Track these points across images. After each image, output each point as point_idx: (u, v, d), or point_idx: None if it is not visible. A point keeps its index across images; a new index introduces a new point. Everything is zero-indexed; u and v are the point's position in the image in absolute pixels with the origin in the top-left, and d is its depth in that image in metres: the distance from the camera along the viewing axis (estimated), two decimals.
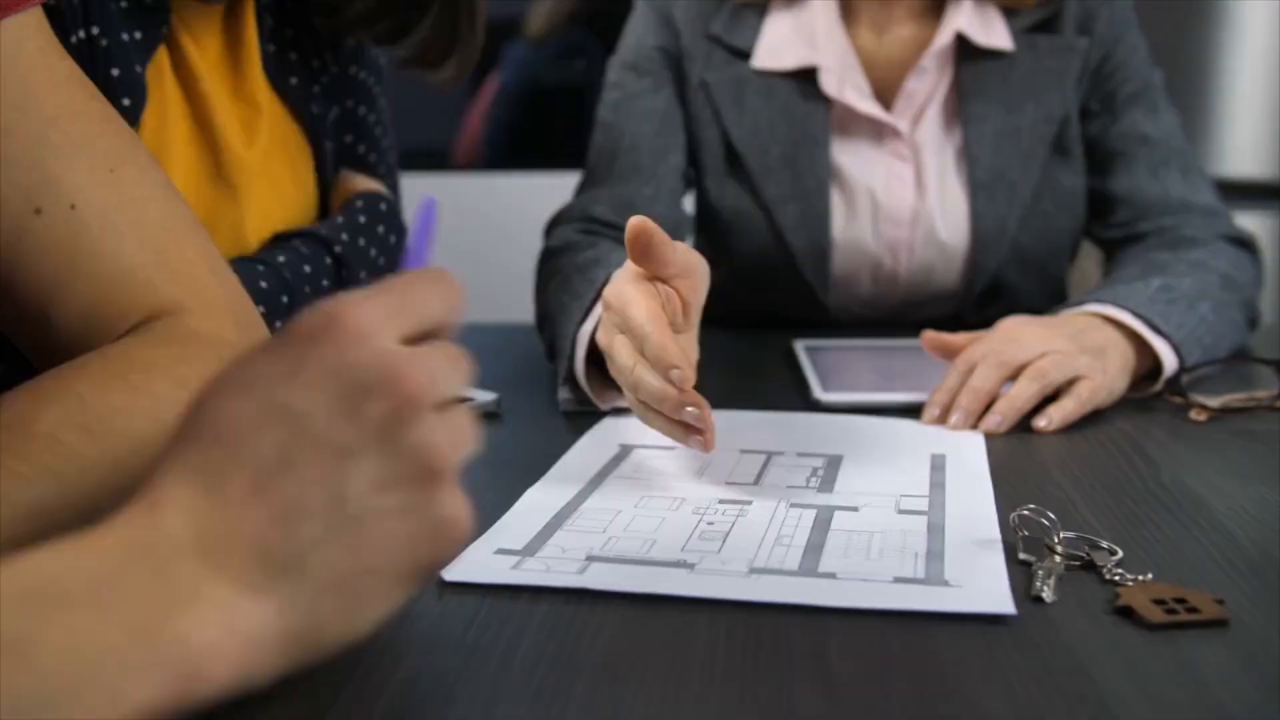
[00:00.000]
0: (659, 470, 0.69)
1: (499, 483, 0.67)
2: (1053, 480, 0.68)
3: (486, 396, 0.85)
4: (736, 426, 0.79)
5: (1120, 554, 0.55)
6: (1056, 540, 0.55)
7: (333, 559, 0.39)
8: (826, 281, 1.14)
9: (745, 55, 1.14)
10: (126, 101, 0.69)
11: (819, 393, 0.86)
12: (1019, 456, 0.73)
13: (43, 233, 0.56)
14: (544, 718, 0.40)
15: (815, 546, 0.56)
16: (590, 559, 0.55)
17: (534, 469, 0.69)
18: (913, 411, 0.81)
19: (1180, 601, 0.49)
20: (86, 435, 0.48)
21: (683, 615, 0.49)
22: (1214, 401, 0.82)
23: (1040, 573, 0.52)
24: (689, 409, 0.66)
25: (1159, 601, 0.49)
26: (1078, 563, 0.54)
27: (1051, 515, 0.56)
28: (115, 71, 0.69)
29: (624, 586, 0.51)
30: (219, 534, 0.38)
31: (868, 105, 1.12)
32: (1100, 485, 0.66)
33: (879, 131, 1.13)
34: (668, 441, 0.75)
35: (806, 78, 1.12)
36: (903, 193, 1.12)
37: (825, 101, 1.12)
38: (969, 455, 0.72)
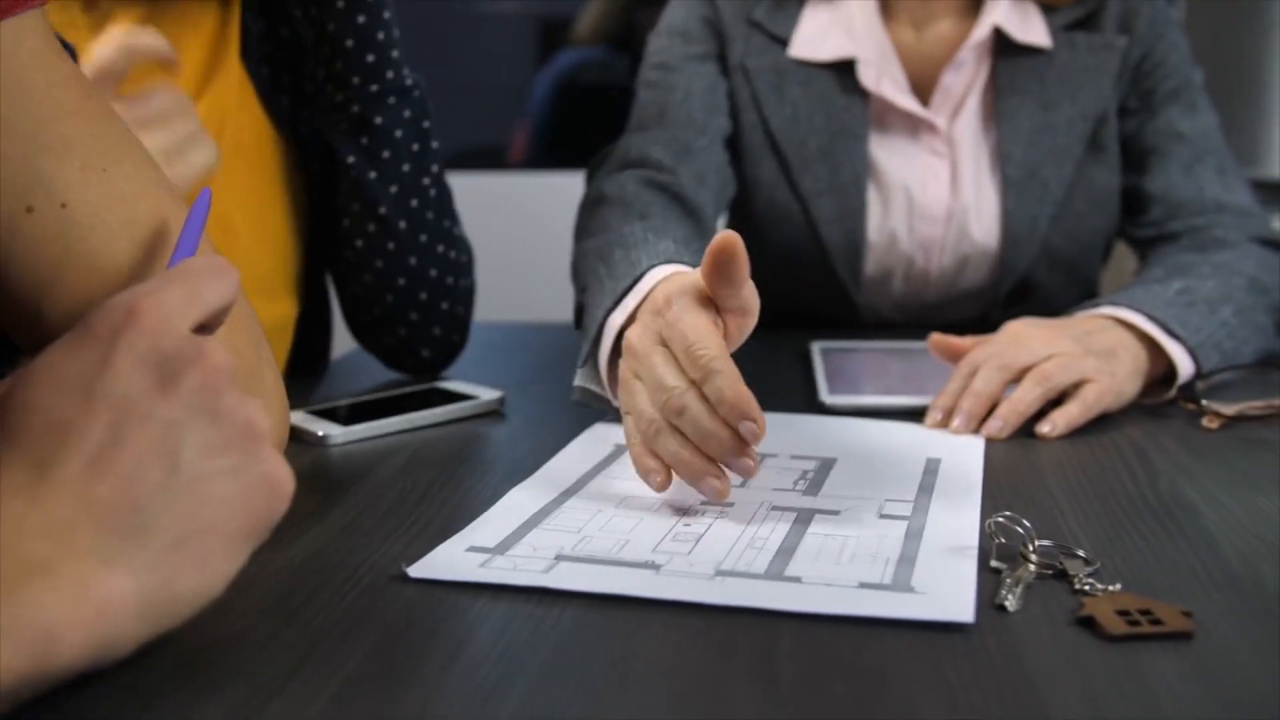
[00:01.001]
0: None
1: (496, 481, 0.68)
2: (1045, 486, 0.67)
3: (491, 395, 0.85)
4: None
5: (1097, 563, 0.54)
6: (1031, 548, 0.54)
7: (173, 522, 0.42)
8: (859, 278, 1.14)
9: (784, 43, 1.14)
10: None
11: (824, 395, 0.86)
12: (1017, 461, 0.72)
13: (34, 230, 0.57)
14: (477, 715, 0.41)
15: (787, 550, 0.56)
16: (559, 558, 0.55)
17: (532, 468, 0.70)
18: (919, 415, 0.81)
19: (1145, 613, 0.48)
20: None
21: (640, 616, 0.49)
22: (1228, 409, 0.80)
23: (1008, 581, 0.51)
24: (742, 460, 0.61)
25: (1123, 613, 0.48)
26: (1050, 571, 0.53)
27: (1026, 523, 0.55)
28: None
29: (585, 586, 0.51)
30: (62, 515, 0.41)
31: (905, 100, 1.11)
32: (1093, 492, 0.65)
33: (915, 127, 1.12)
34: None
35: (845, 70, 1.12)
36: (938, 190, 1.12)
37: (863, 95, 1.12)
38: (964, 460, 0.71)
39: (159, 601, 0.41)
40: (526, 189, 2.77)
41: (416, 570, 0.53)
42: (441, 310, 0.92)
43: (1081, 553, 0.55)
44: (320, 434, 0.76)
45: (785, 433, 0.78)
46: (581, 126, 2.96)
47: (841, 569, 0.53)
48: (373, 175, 0.86)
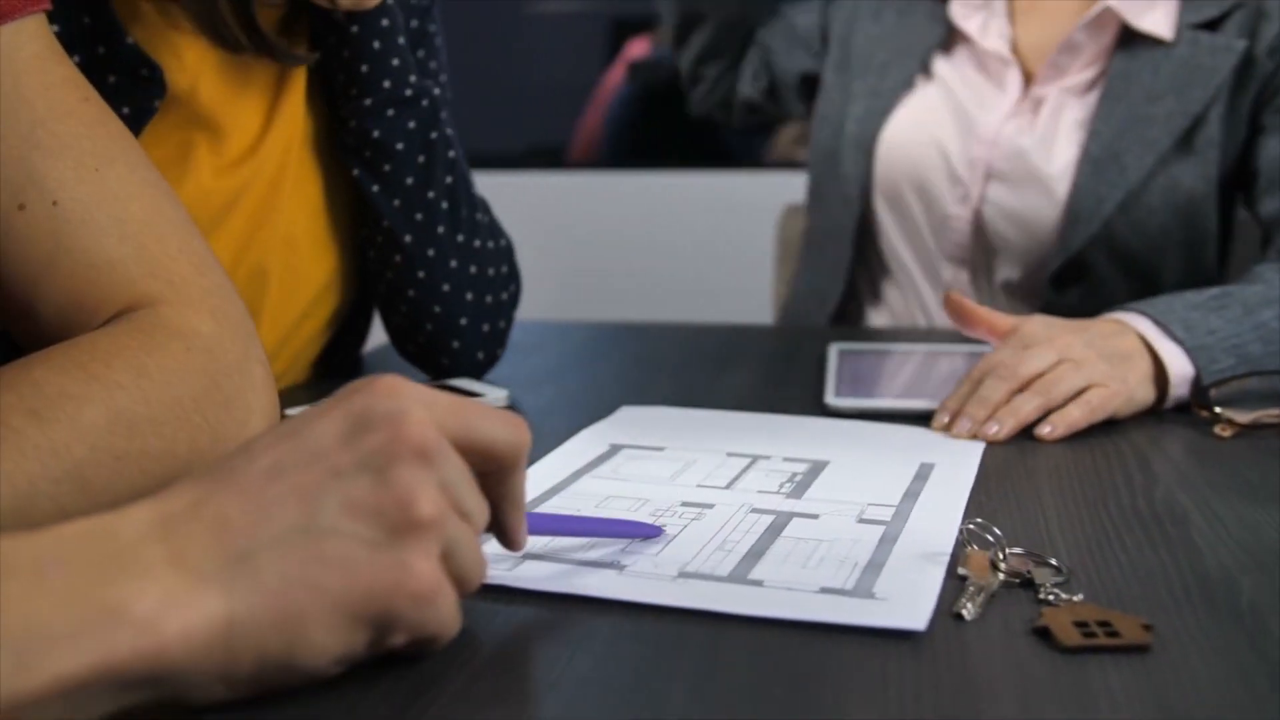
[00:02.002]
0: (637, 471, 0.69)
1: None
2: (1036, 492, 0.66)
3: (498, 394, 0.86)
4: (733, 429, 0.79)
5: (1066, 573, 0.53)
6: (1001, 556, 0.53)
7: (284, 564, 0.40)
8: (866, 182, 1.22)
9: None
10: None
11: (830, 397, 0.85)
12: (1014, 465, 0.71)
13: (26, 227, 0.59)
14: (369, 714, 0.41)
15: (757, 553, 0.56)
16: (526, 556, 0.55)
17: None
18: (926, 419, 0.80)
19: (1104, 625, 0.47)
20: (34, 419, 0.50)
21: (594, 615, 0.49)
22: (1243, 416, 0.78)
23: (971, 589, 0.51)
24: None
25: (1081, 624, 0.47)
26: (1017, 580, 0.52)
27: (997, 531, 0.54)
28: None
29: (545, 586, 0.52)
30: (185, 516, 0.40)
31: (993, 41, 1.18)
32: (1084, 499, 0.64)
33: (1000, 67, 1.18)
34: (656, 442, 0.75)
35: (943, 2, 1.22)
36: (995, 115, 1.17)
37: (947, 25, 1.21)
38: (959, 465, 0.70)
39: (241, 644, 0.39)
40: (593, 188, 2.78)
41: None
42: (483, 333, 0.92)
43: (1054, 561, 0.54)
44: None
45: (784, 435, 0.77)
46: (655, 127, 2.96)
47: (807, 573, 0.53)
48: (375, 189, 0.85)
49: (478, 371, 0.94)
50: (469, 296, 0.90)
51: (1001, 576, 0.52)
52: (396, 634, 0.42)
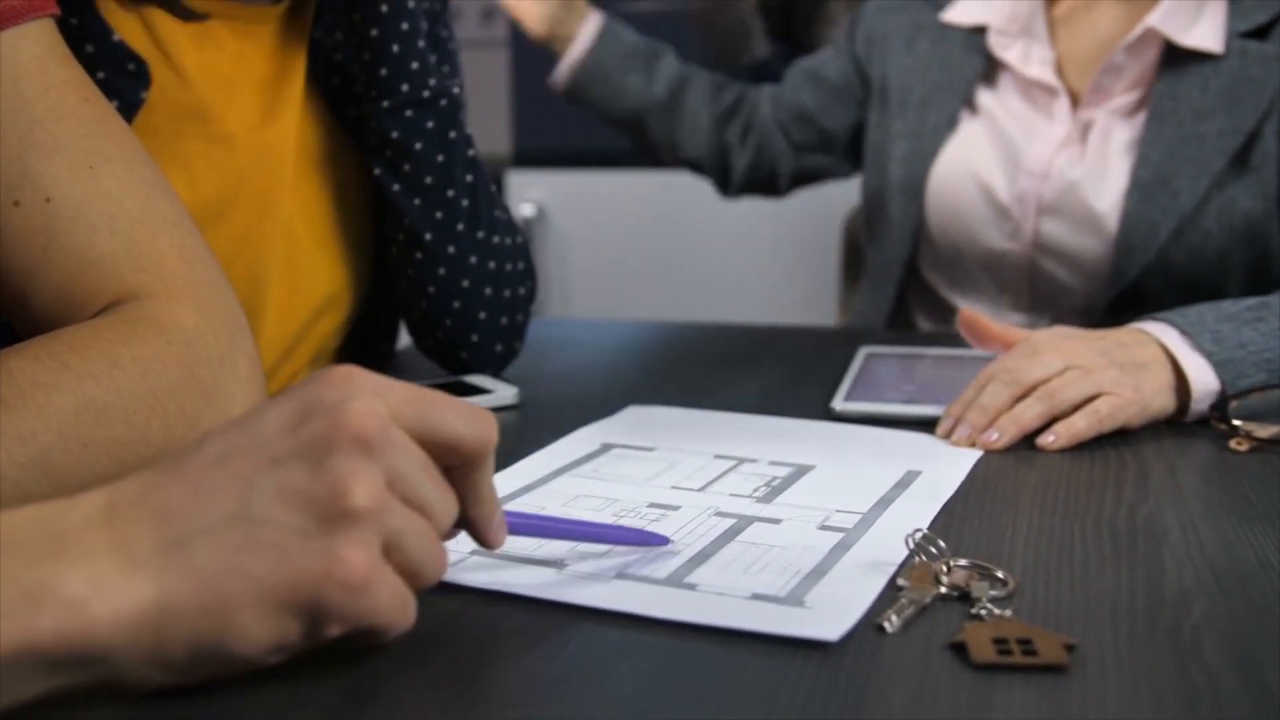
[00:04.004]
0: (618, 471, 0.70)
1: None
2: (1017, 503, 0.64)
3: (508, 392, 0.87)
4: (730, 431, 0.78)
5: (1008, 587, 0.51)
6: (945, 569, 0.52)
7: (216, 551, 0.40)
8: (917, 223, 1.18)
9: (940, 5, 1.22)
10: None
11: (837, 402, 0.84)
12: (1006, 475, 0.69)
13: (20, 223, 0.62)
14: (267, 702, 0.42)
15: (703, 556, 0.56)
16: (475, 553, 0.56)
17: None
18: (935, 425, 0.78)
19: (1024, 643, 0.45)
20: (2, 407, 0.53)
21: (524, 614, 0.50)
22: (1264, 431, 0.74)
23: (903, 601, 0.50)
24: None
25: (1000, 641, 0.45)
26: (955, 594, 0.51)
27: (941, 543, 0.53)
28: None
29: (478, 583, 0.52)
30: (130, 502, 0.42)
31: (1037, 70, 1.13)
32: (1063, 512, 0.62)
33: (1046, 95, 1.14)
34: (648, 442, 0.75)
35: (980, 33, 1.17)
36: (1045, 147, 1.12)
37: (988, 57, 1.16)
38: (945, 474, 0.69)
39: (172, 626, 0.39)
40: (682, 186, 2.78)
41: None
42: (501, 326, 0.93)
43: (1001, 574, 0.52)
44: None
45: (779, 438, 0.77)
46: None
47: (745, 579, 0.53)
48: (396, 188, 0.87)
49: (497, 365, 0.95)
50: (487, 291, 0.91)
51: (942, 589, 0.51)
52: (330, 624, 0.42)
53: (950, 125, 1.17)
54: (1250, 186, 1.04)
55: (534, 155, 2.23)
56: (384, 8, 0.83)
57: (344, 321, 0.95)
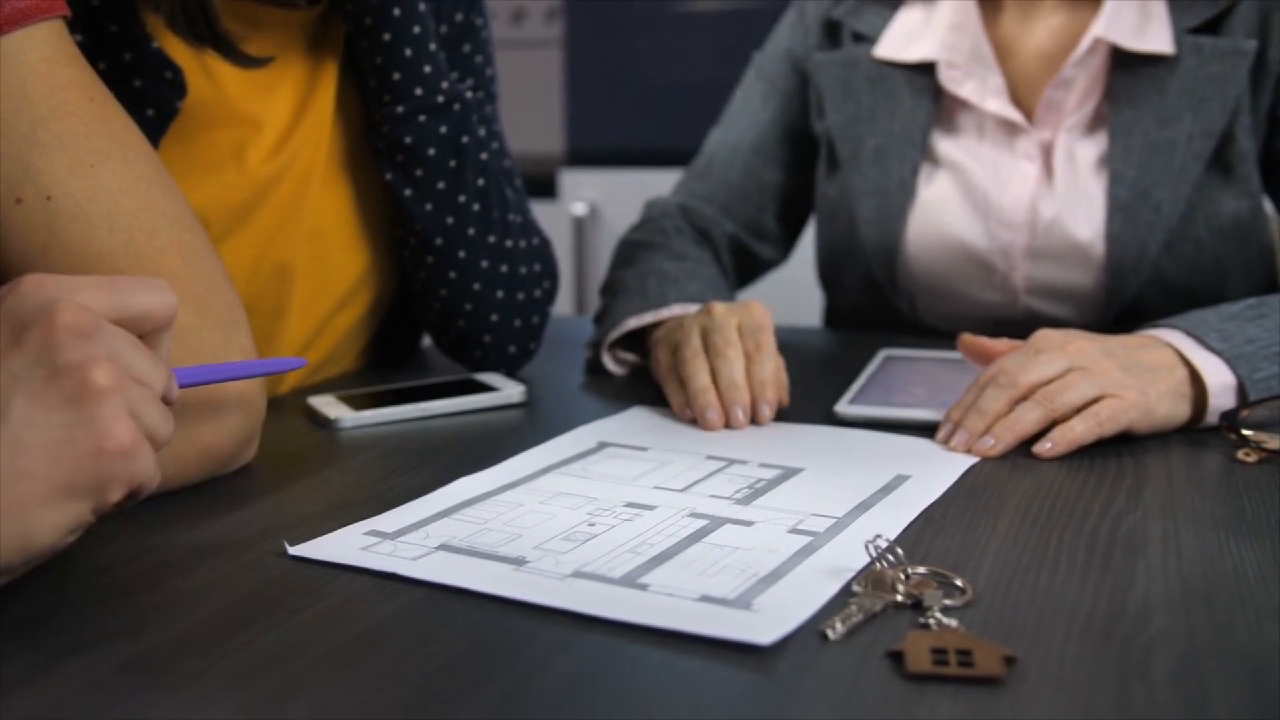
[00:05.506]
0: (605, 470, 0.70)
1: (476, 471, 0.70)
2: (999, 510, 0.63)
3: (515, 389, 0.87)
4: (728, 433, 0.78)
5: (964, 596, 0.51)
6: (903, 576, 0.51)
7: None
8: (896, 284, 1.11)
9: (871, 41, 1.12)
10: None
11: (841, 405, 0.83)
12: (997, 481, 0.68)
13: (21, 220, 0.64)
14: (213, 698, 0.43)
15: (665, 557, 0.56)
16: (441, 548, 0.57)
17: None
18: (936, 430, 0.77)
19: (963, 654, 0.45)
20: None
21: (479, 611, 0.50)
22: (1276, 442, 0.72)
23: (852, 608, 0.49)
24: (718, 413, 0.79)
25: (939, 651, 0.45)
26: (909, 602, 0.50)
27: (899, 550, 0.52)
28: None
29: (436, 578, 0.53)
30: None
31: (994, 103, 1.05)
32: (1044, 521, 0.61)
33: (1008, 129, 1.06)
34: (642, 442, 0.76)
35: (924, 71, 1.08)
36: (1020, 192, 1.05)
37: (936, 95, 1.07)
38: (932, 479, 0.68)
39: None
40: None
41: (299, 549, 0.56)
42: (515, 328, 0.94)
43: (960, 583, 0.52)
44: (331, 417, 0.81)
45: (776, 441, 0.76)
46: None
47: (700, 580, 0.53)
48: (408, 193, 0.88)
49: (511, 366, 0.96)
50: (500, 294, 0.92)
51: (898, 597, 0.51)
52: (113, 491, 0.48)
53: (914, 177, 1.08)
54: (1233, 187, 1.01)
55: (587, 154, 2.24)
56: (396, 11, 0.84)
57: (366, 313, 0.96)
